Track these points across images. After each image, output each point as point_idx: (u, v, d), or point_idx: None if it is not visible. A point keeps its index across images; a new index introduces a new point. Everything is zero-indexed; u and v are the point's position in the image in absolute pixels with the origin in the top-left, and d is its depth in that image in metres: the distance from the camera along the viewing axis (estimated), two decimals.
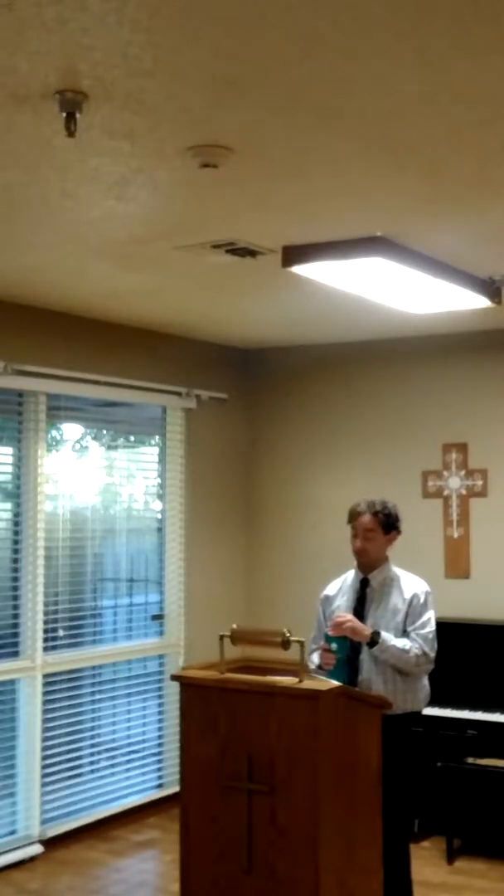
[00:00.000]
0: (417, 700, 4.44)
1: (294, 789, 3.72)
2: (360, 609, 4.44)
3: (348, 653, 4.34)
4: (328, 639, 4.35)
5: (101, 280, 5.07)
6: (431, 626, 4.39)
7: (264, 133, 3.10)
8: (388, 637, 4.31)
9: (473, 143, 3.20)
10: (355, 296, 5.03)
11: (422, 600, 4.41)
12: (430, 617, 4.41)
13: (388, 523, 4.46)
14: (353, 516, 4.48)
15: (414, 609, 4.39)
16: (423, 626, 4.37)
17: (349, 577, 4.58)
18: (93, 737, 6.20)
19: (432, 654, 4.38)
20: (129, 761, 6.41)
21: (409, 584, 4.46)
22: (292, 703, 3.77)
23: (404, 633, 4.38)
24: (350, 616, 4.35)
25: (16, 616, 5.72)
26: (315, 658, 4.45)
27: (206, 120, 3.00)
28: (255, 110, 2.92)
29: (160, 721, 6.59)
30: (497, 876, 5.42)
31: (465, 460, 6.49)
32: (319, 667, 4.42)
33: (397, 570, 4.52)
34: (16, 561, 5.74)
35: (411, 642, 4.32)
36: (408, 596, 4.41)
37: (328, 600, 4.60)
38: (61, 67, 2.63)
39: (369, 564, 4.49)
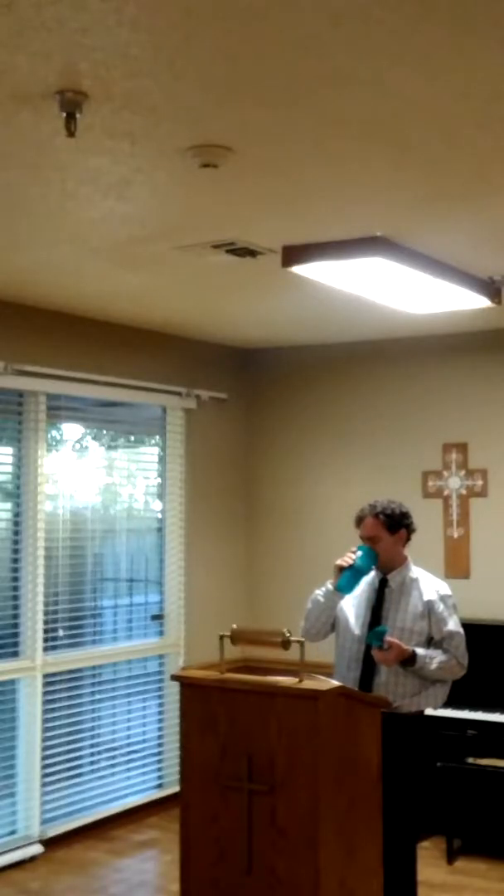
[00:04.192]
0: (434, 698, 4.42)
1: (294, 789, 3.72)
2: (378, 609, 4.40)
3: (362, 571, 4.35)
4: (360, 547, 4.38)
5: (101, 280, 5.07)
6: (461, 635, 4.36)
7: (264, 133, 3.10)
8: (423, 657, 4.27)
9: (473, 143, 3.20)
10: (355, 296, 5.03)
11: (441, 607, 4.36)
12: (456, 623, 4.37)
13: (393, 523, 4.40)
14: (357, 522, 4.46)
15: (437, 616, 4.35)
16: (452, 636, 4.34)
17: (368, 575, 4.54)
18: (93, 737, 6.20)
19: (465, 662, 4.38)
20: (129, 761, 6.41)
21: (429, 586, 4.42)
22: (292, 703, 3.77)
23: (429, 641, 4.35)
24: (397, 644, 4.28)
25: (16, 616, 5.72)
26: (319, 591, 4.46)
27: (206, 120, 3.00)
28: (254, 110, 2.92)
29: (160, 721, 6.59)
30: (497, 876, 5.43)
31: (465, 460, 6.49)
32: (340, 571, 4.38)
33: (418, 571, 4.47)
34: (16, 561, 5.74)
35: (444, 656, 4.31)
36: (427, 598, 4.37)
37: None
38: (61, 67, 2.63)
39: (385, 565, 4.44)
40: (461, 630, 4.38)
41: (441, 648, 4.34)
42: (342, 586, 4.34)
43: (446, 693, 4.46)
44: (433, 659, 4.29)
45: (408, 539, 4.48)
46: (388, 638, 4.26)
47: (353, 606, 4.44)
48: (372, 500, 4.51)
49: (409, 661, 4.26)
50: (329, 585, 4.42)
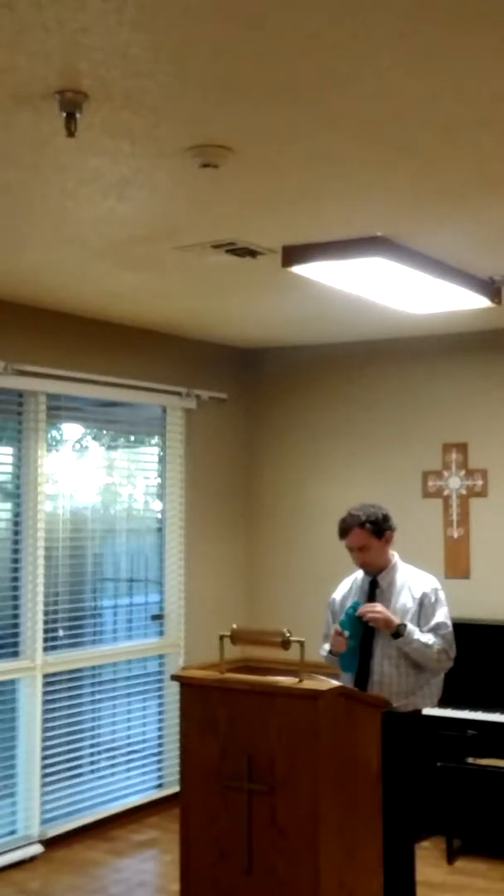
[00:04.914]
0: (430, 697, 4.44)
1: (294, 789, 3.72)
2: None
3: (359, 641, 4.35)
4: (343, 623, 4.37)
5: (101, 280, 5.07)
6: (448, 627, 4.39)
7: (264, 133, 3.10)
8: (413, 629, 4.31)
9: (473, 143, 3.20)
10: (355, 296, 5.02)
11: (432, 599, 4.41)
12: (445, 615, 4.40)
13: (378, 529, 4.44)
14: (342, 534, 4.47)
15: (426, 609, 4.39)
16: (440, 626, 4.37)
17: (358, 578, 4.58)
18: (93, 737, 6.20)
19: (452, 653, 4.39)
20: (129, 761, 6.41)
21: (419, 582, 4.46)
22: (292, 703, 3.77)
23: None
24: (381, 607, 4.34)
25: (16, 616, 5.72)
26: (327, 647, 4.48)
27: (206, 120, 3.00)
28: (255, 110, 2.92)
29: (160, 721, 6.59)
30: (497, 876, 5.42)
31: (465, 460, 6.49)
32: (330, 652, 4.44)
33: (406, 569, 4.51)
34: (16, 561, 5.74)
35: (434, 638, 4.33)
36: (417, 595, 4.41)
37: (335, 603, 4.60)
38: (61, 67, 2.63)
39: (375, 568, 4.49)
40: (449, 623, 4.42)
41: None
42: (348, 668, 4.38)
43: (440, 689, 4.49)
44: (422, 635, 4.31)
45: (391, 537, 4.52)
46: (371, 609, 4.31)
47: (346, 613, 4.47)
48: (350, 508, 4.52)
49: (398, 632, 4.29)
50: (327, 647, 4.49)
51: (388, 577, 4.48)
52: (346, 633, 4.34)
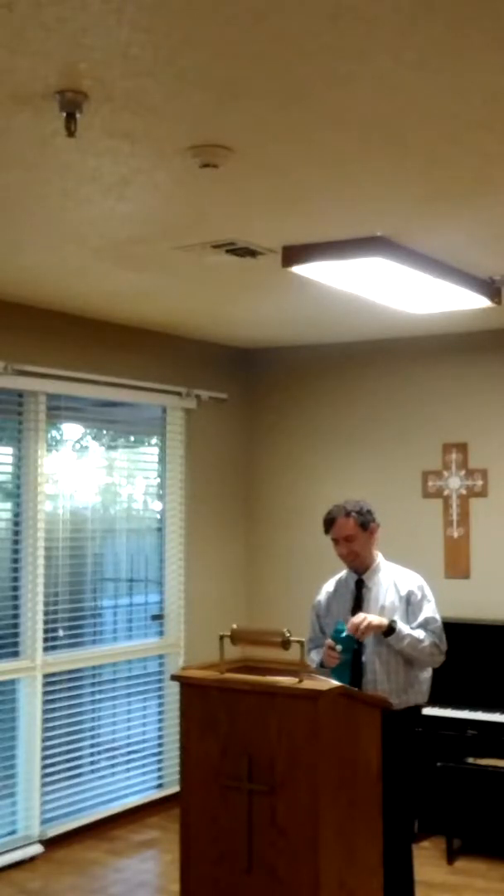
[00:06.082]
0: (422, 693, 4.44)
1: (294, 789, 3.72)
2: (356, 610, 4.42)
3: (351, 655, 4.35)
4: (334, 638, 4.35)
5: (101, 280, 5.07)
6: (437, 621, 4.39)
7: (264, 133, 3.10)
8: (404, 626, 4.31)
9: (473, 143, 3.20)
10: (355, 296, 5.03)
11: (418, 596, 4.41)
12: (433, 610, 4.41)
13: (364, 520, 4.44)
14: (328, 526, 4.46)
15: (413, 606, 4.39)
16: (429, 621, 4.37)
17: (342, 578, 4.57)
18: (93, 737, 6.20)
19: (444, 647, 4.39)
20: (129, 761, 6.41)
21: (404, 580, 4.46)
22: (292, 703, 3.77)
23: None
24: (363, 616, 4.33)
25: (16, 616, 5.72)
26: (314, 656, 4.46)
27: (206, 120, 3.00)
28: (255, 110, 2.92)
29: (160, 721, 6.59)
30: (497, 876, 5.42)
31: (465, 460, 6.49)
32: (321, 664, 4.43)
33: (391, 567, 4.51)
34: (16, 561, 5.74)
35: (424, 633, 4.33)
36: (404, 593, 4.41)
37: (321, 605, 4.60)
38: (61, 67, 2.63)
39: (361, 565, 4.49)
40: (438, 616, 4.42)
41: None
42: (343, 680, 4.34)
43: (430, 684, 4.48)
44: (412, 630, 4.31)
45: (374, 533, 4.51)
46: (351, 624, 4.27)
47: (335, 613, 4.47)
48: (336, 502, 4.52)
49: (391, 628, 4.28)
50: (314, 657, 4.45)
51: (373, 576, 4.47)
52: (339, 648, 4.32)
